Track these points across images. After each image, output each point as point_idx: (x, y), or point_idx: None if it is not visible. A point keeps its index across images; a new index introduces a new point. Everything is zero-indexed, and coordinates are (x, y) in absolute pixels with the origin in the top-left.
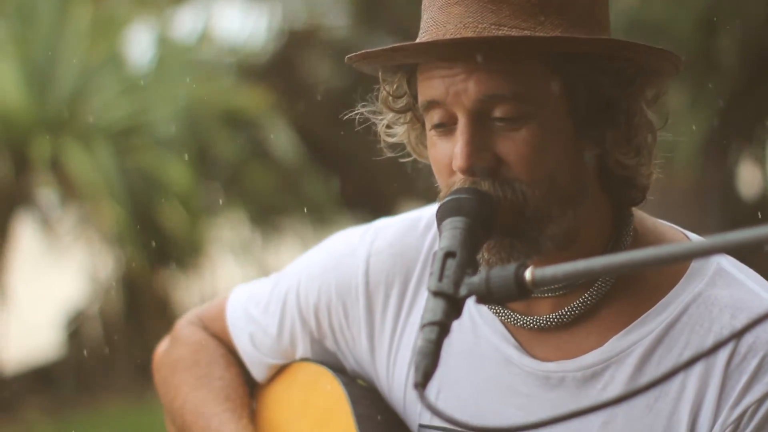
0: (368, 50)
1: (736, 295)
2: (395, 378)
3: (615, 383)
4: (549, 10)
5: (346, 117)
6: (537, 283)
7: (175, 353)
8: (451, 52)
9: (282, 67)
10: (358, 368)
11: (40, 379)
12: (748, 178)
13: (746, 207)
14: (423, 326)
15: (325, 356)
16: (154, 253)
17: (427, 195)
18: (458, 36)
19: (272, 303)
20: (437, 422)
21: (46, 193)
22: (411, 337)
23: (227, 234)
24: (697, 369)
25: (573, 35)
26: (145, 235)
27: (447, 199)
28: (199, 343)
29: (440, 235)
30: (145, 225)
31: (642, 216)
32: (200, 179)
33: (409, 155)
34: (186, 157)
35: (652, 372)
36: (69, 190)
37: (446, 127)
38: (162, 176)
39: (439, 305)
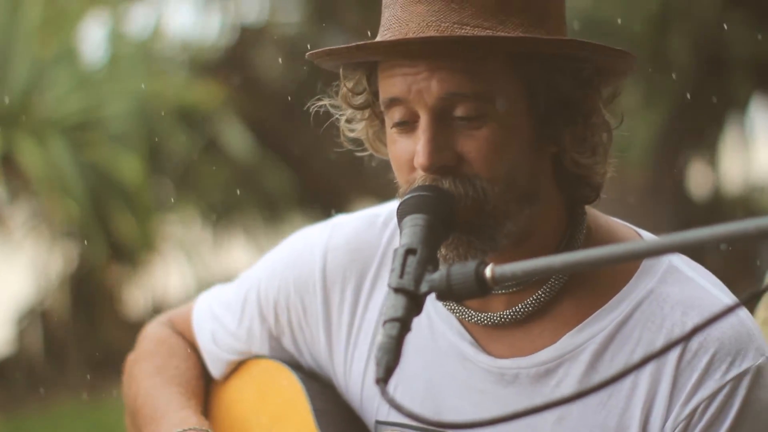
0: (332, 47)
1: (687, 292)
2: (352, 374)
3: (569, 380)
4: (510, 10)
5: (301, 113)
6: (497, 280)
7: (139, 348)
8: (415, 51)
9: (235, 63)
10: (315, 366)
11: None
12: (699, 179)
13: (697, 207)
14: (384, 322)
15: (282, 354)
16: (106, 249)
17: (380, 192)
18: (422, 35)
19: (234, 301)
20: (394, 418)
21: None
22: (368, 334)
23: (179, 231)
24: (649, 366)
25: (534, 35)
26: (97, 230)
27: (408, 196)
28: (162, 337)
29: (401, 231)
30: (97, 221)
31: (595, 214)
32: (153, 175)
33: (366, 150)
34: (139, 152)
35: (605, 368)
36: (21, 184)
37: (407, 124)
38: (115, 172)
39: (400, 302)
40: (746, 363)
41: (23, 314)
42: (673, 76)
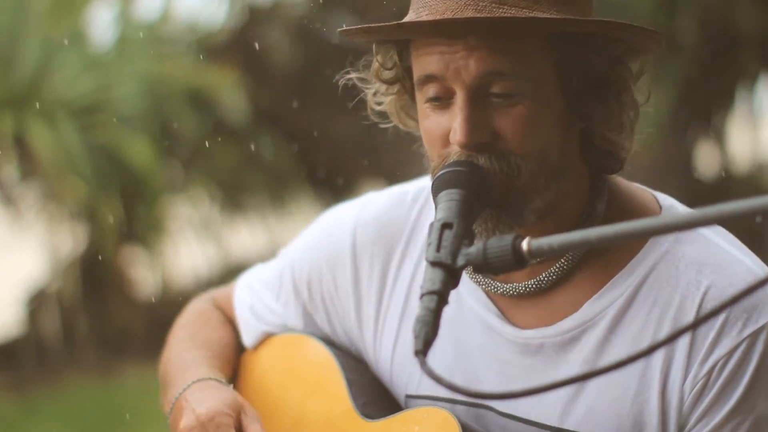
0: (371, 25)
1: (701, 251)
2: (382, 348)
3: (590, 346)
4: None
5: (310, 93)
6: (534, 254)
7: (179, 321)
8: (456, 30)
9: (243, 44)
10: (347, 342)
11: (2, 356)
12: (707, 158)
13: (705, 186)
14: (422, 295)
15: (316, 331)
16: (116, 230)
17: (389, 172)
18: (461, 14)
19: (271, 279)
20: (424, 391)
21: (8, 170)
22: (396, 309)
23: (189, 211)
24: (666, 327)
25: (569, 16)
26: (107, 211)
27: (443, 171)
28: (200, 310)
29: (436, 206)
30: (107, 202)
31: (615, 181)
32: (163, 156)
33: (390, 122)
34: (148, 134)
35: (624, 331)
36: (32, 166)
37: (442, 100)
38: (125, 153)
39: (437, 275)
40: (762, 320)
41: (34, 295)
42: (681, 55)
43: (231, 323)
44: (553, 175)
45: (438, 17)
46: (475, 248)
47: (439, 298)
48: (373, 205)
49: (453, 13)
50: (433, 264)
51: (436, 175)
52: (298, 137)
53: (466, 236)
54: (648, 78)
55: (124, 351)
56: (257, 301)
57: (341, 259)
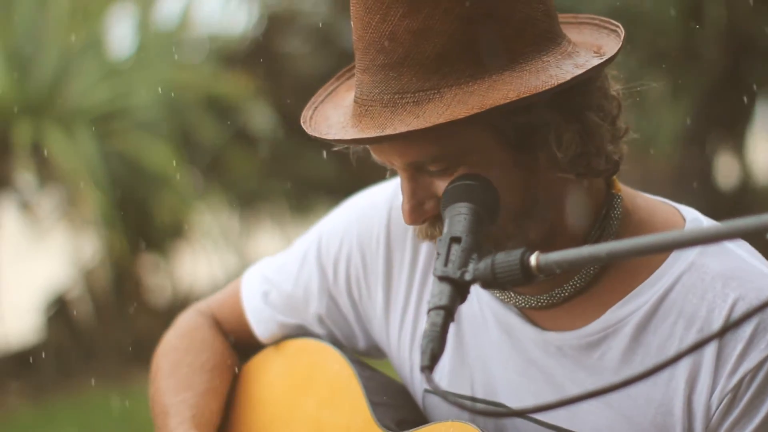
0: (311, 133)
1: (727, 264)
2: (403, 337)
3: (612, 352)
4: (452, 58)
5: None
6: (542, 269)
7: (165, 340)
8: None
9: (262, 52)
10: (367, 333)
11: (21, 364)
12: (726, 169)
13: (724, 197)
14: (429, 310)
15: (338, 319)
16: (135, 238)
17: None
18: (370, 111)
19: (289, 261)
20: (443, 386)
21: (26, 177)
22: (422, 297)
23: (207, 219)
24: (692, 338)
25: (482, 78)
26: (126, 219)
27: (453, 185)
28: (187, 328)
29: (445, 220)
30: (126, 209)
31: (633, 194)
32: (182, 164)
33: None
34: (167, 141)
35: (648, 341)
36: (50, 174)
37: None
38: (143, 161)
39: (444, 290)
40: None
41: (53, 302)
42: (701, 65)
43: (220, 336)
44: (522, 216)
45: (338, 136)
46: (483, 263)
47: (446, 313)
48: None
49: (363, 106)
50: (441, 279)
51: (446, 188)
52: (318, 145)
53: (474, 250)
54: (668, 88)
55: (141, 359)
56: (271, 288)
57: (374, 240)
